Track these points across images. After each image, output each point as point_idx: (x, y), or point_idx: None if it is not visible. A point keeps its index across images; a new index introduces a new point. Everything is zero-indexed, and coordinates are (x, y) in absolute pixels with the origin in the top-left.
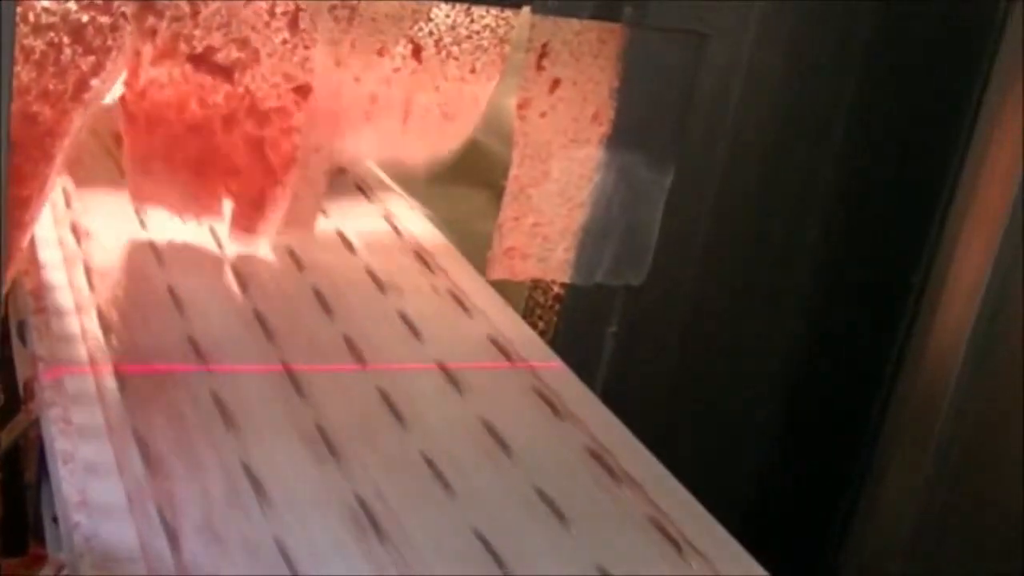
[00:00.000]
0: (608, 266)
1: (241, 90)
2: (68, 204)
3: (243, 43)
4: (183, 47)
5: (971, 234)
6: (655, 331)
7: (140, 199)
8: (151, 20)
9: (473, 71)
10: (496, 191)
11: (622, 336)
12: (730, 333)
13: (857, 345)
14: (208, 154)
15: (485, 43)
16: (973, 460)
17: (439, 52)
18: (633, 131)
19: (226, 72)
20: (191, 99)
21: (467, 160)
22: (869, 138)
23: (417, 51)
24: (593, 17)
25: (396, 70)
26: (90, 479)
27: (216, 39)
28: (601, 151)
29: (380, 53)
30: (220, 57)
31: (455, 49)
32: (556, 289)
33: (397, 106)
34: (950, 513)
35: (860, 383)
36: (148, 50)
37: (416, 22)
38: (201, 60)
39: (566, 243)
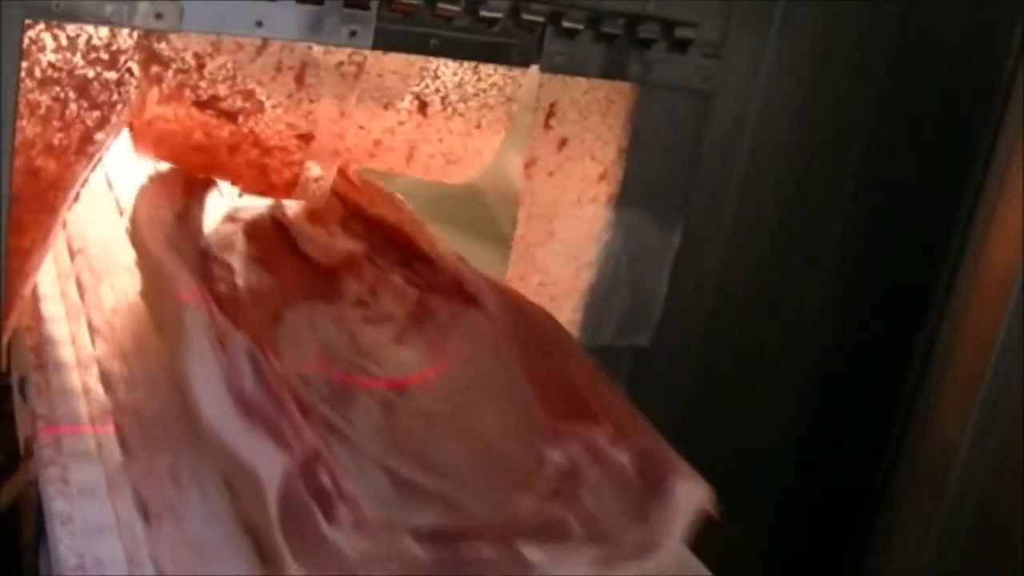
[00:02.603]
0: (615, 327)
1: (245, 130)
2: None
3: (248, 95)
4: (188, 94)
5: (980, 297)
6: (662, 392)
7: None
8: (157, 68)
9: (479, 127)
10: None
11: (629, 397)
12: (738, 395)
13: (864, 409)
14: (213, 167)
15: (491, 101)
16: (982, 525)
17: (445, 109)
18: (641, 190)
19: (230, 116)
20: (196, 131)
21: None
22: (878, 195)
23: (423, 107)
24: (601, 75)
25: (401, 123)
26: (89, 541)
27: (221, 90)
28: (608, 211)
29: (386, 107)
30: (224, 105)
31: (461, 106)
32: None
33: (401, 150)
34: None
35: (866, 452)
36: (154, 93)
37: (423, 79)
38: (206, 105)
39: (572, 303)
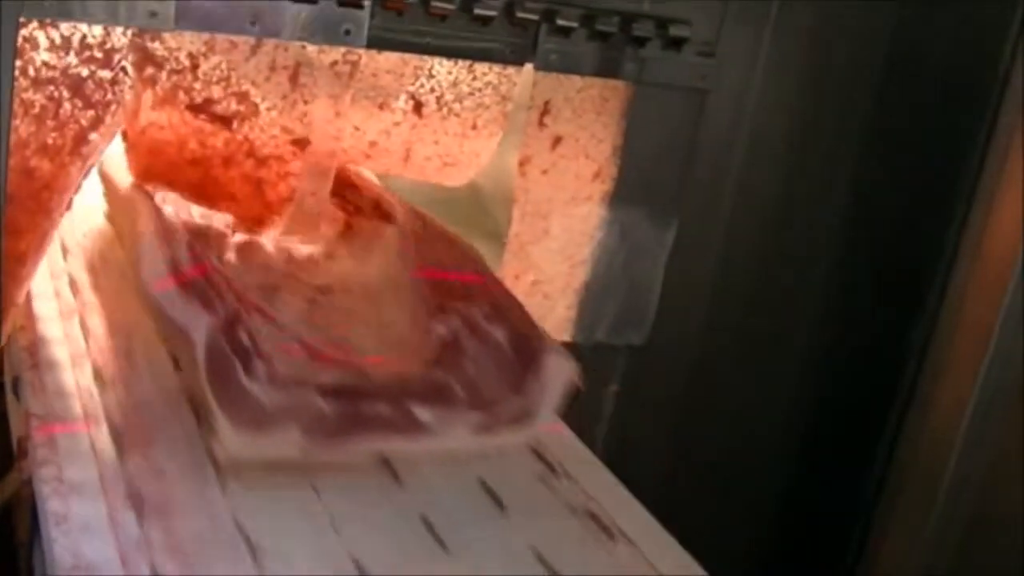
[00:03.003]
0: (610, 325)
1: (240, 137)
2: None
3: (242, 97)
4: (182, 96)
5: (976, 293)
6: (656, 391)
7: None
8: (151, 70)
9: (475, 127)
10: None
11: (623, 395)
12: (732, 393)
13: (858, 408)
14: (208, 183)
15: (487, 100)
16: (978, 524)
17: (440, 108)
18: (635, 188)
19: (225, 120)
20: (191, 140)
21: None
22: (873, 194)
23: (418, 107)
24: (595, 73)
25: (396, 124)
26: (83, 540)
27: (215, 91)
28: (603, 208)
29: (381, 107)
30: (219, 108)
31: (456, 106)
32: None
33: (397, 152)
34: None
35: (864, 451)
36: (148, 96)
37: (417, 78)
38: (200, 109)
39: (567, 301)
